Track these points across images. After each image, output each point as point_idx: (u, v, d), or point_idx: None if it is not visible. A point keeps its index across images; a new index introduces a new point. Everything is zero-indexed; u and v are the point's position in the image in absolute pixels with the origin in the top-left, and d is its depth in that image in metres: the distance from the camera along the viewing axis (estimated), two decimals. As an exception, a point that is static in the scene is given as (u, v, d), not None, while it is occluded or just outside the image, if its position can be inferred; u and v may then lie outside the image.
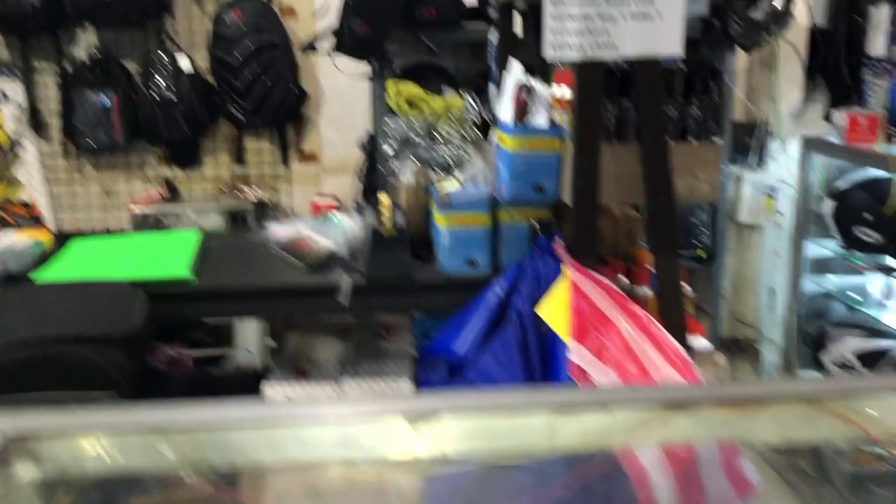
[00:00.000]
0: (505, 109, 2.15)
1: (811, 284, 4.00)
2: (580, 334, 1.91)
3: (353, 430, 0.92)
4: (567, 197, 2.10)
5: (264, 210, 4.07)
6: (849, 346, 3.81)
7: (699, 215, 4.19)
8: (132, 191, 4.14)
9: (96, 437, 0.89)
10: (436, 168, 2.36)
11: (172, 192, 4.14)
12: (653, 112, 2.01)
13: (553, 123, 2.13)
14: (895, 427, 0.97)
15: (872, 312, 3.78)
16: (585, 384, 2.00)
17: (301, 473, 0.99)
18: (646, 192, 2.05)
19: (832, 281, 4.00)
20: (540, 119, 2.10)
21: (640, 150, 2.04)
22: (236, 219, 4.00)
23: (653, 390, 1.18)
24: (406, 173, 2.33)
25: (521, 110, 2.08)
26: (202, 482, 0.95)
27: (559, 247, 2.08)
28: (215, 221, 3.92)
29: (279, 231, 2.47)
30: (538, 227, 2.15)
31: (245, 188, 4.18)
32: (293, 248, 2.29)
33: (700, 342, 2.18)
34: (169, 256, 2.26)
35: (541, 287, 2.06)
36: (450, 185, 2.27)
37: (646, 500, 1.97)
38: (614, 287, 2.07)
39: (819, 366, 3.91)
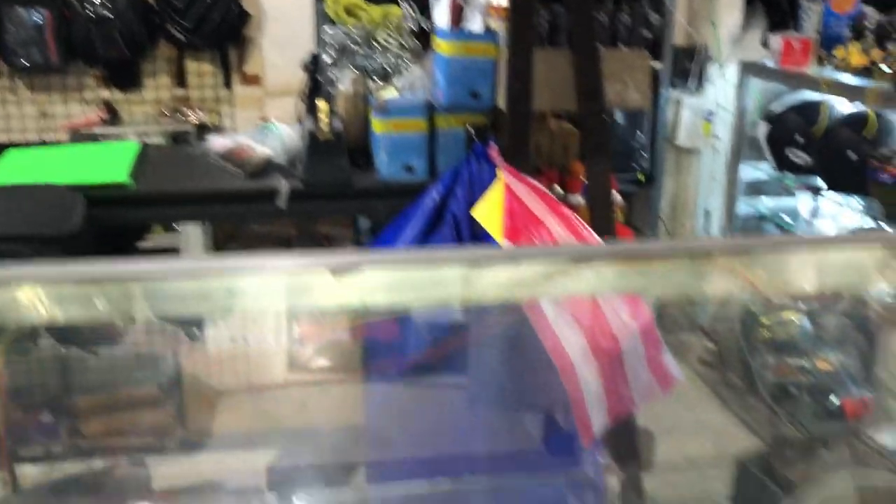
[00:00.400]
0: (441, 15, 2.18)
1: (745, 206, 4.13)
2: (512, 233, 1.98)
3: (280, 281, 0.97)
4: (502, 103, 2.15)
5: (206, 133, 4.04)
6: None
7: (639, 138, 4.29)
8: (70, 113, 4.07)
9: (33, 288, 0.92)
10: (374, 77, 2.38)
11: (112, 115, 4.08)
12: (584, 17, 2.06)
13: (488, 29, 2.16)
14: (778, 282, 1.05)
15: (802, 232, 3.94)
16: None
17: (231, 322, 1.04)
18: (577, 97, 2.11)
19: (765, 203, 4.14)
20: (475, 24, 2.14)
21: (572, 56, 2.09)
22: (178, 141, 3.97)
23: (559, 248, 1.25)
24: (344, 81, 2.35)
25: (457, 15, 2.11)
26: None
27: (494, 151, 2.13)
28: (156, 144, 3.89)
29: (218, 142, 2.48)
30: (474, 132, 2.20)
31: (187, 111, 4.14)
32: (232, 156, 2.31)
33: (629, 245, 2.26)
34: (107, 163, 2.26)
35: (476, 191, 2.12)
36: (388, 93, 2.30)
37: (576, 398, 2.08)
38: (546, 190, 2.14)
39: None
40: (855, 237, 1.72)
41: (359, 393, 2.40)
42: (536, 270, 0.99)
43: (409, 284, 1.01)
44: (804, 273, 1.08)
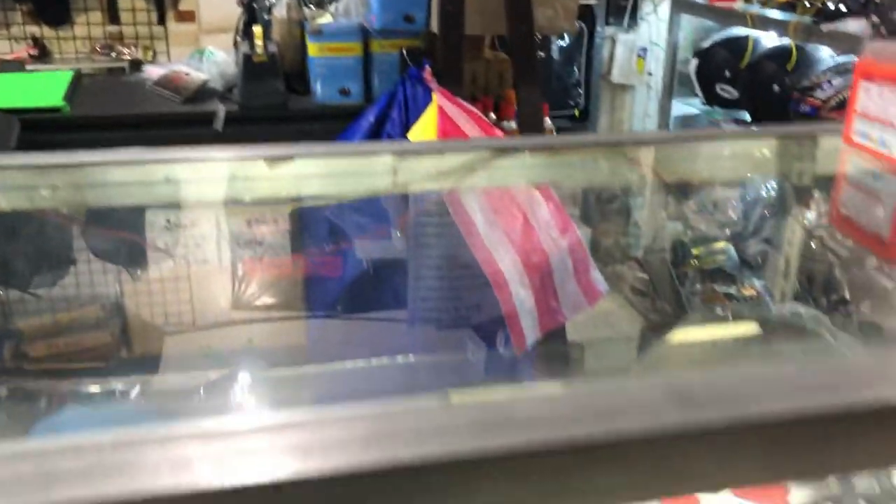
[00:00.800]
0: (374, -61, 2.20)
1: (676, 141, 4.27)
2: (446, 153, 2.04)
3: (217, 169, 1.03)
4: (435, 26, 2.20)
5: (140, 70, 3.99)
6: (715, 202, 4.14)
7: (574, 75, 4.37)
8: (-3, 50, 3.97)
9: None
10: (309, 3, 2.40)
11: (42, 52, 3.99)
12: (514, -59, 2.10)
13: (421, -47, 2.20)
14: (680, 171, 1.15)
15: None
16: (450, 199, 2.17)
17: (168, 209, 1.09)
18: (507, 21, 2.17)
19: (695, 138, 4.28)
20: (408, -52, 2.17)
21: (503, -20, 2.14)
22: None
23: (480, 140, 1.32)
24: (280, 8, 2.36)
25: (389, -61, 2.14)
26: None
27: (428, 75, 2.19)
28: (90, 80, 3.82)
29: (153, 71, 2.48)
30: (408, 56, 2.24)
31: (120, 47, 4.07)
32: (167, 82, 2.32)
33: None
34: (41, 89, 2.24)
35: (411, 113, 2.17)
36: (323, 19, 2.32)
37: (509, 310, 2.18)
38: (479, 113, 2.21)
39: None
40: (750, 131, 1.84)
41: (301, 327, 2.46)
42: (460, 160, 1.06)
43: (340, 174, 1.07)
44: (705, 162, 1.18)
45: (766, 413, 0.48)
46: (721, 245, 3.97)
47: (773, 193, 2.31)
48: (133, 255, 1.95)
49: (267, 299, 2.81)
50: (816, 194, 1.32)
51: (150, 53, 4.13)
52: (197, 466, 0.43)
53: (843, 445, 0.50)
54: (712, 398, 0.49)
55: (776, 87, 3.63)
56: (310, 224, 1.80)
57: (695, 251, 4.02)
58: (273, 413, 0.48)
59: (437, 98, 2.12)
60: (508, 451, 0.45)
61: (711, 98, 3.98)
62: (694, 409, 0.48)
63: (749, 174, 1.35)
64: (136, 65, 3.95)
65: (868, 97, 1.06)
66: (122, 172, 1.01)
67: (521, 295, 2.16)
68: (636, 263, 4.41)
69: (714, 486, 0.55)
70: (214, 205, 1.07)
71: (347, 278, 2.29)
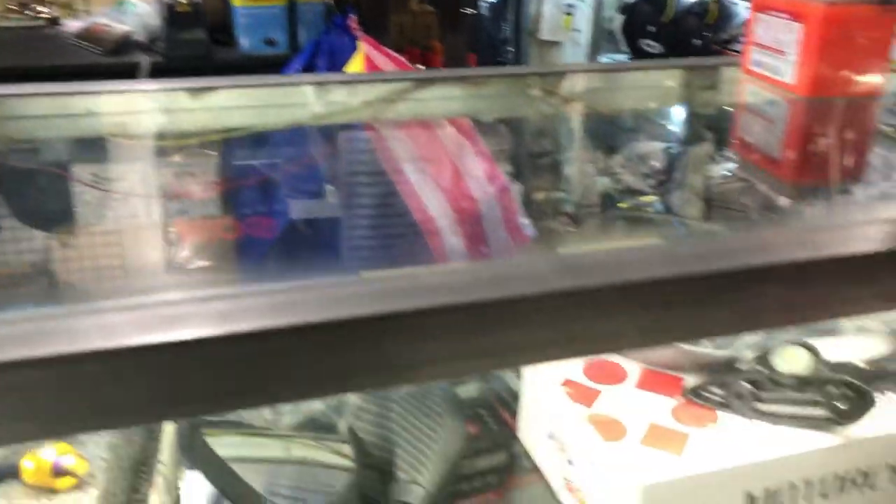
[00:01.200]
0: None
1: (603, 97, 4.35)
2: (372, 100, 2.07)
3: (140, 102, 1.04)
4: (359, -24, 2.22)
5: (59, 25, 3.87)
6: (635, 150, 4.26)
7: (503, 32, 4.41)
8: None
9: None
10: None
11: (-47, 10, 3.84)
12: None
13: None
14: (604, 104, 1.22)
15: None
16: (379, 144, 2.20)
17: (92, 141, 1.10)
18: (432, -30, 2.20)
19: (622, 93, 4.37)
20: None
21: (426, -71, 2.17)
22: (30, 35, 3.78)
23: (403, 73, 1.37)
24: (202, -41, 2.34)
25: None
26: None
27: (353, 23, 2.20)
28: (6, 39, 3.69)
29: (73, 24, 2.43)
30: (334, 4, 2.25)
31: (36, 6, 3.93)
32: (88, 34, 2.28)
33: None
34: (-48, 41, 2.18)
35: (337, 61, 2.19)
36: (246, -30, 2.31)
37: (440, 257, 2.23)
38: (405, 61, 2.23)
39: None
40: (657, 63, 1.93)
41: (234, 286, 2.47)
42: (383, 90, 1.10)
43: (262, 104, 1.10)
44: (619, 93, 1.25)
45: (645, 278, 0.54)
46: (649, 198, 4.10)
47: (687, 131, 2.41)
48: (57, 209, 1.92)
49: (195, 257, 2.80)
50: (722, 125, 1.40)
51: (70, 13, 4.01)
52: (125, 330, 0.47)
53: (714, 308, 0.57)
54: (597, 268, 0.55)
55: (697, 42, 3.74)
56: (235, 168, 1.81)
57: (622, 205, 4.14)
58: (196, 290, 0.52)
59: (363, 46, 2.14)
60: (411, 312, 0.50)
61: (636, 53, 4.07)
62: (580, 276, 0.54)
63: (661, 109, 1.42)
64: (54, 23, 3.83)
65: (762, 28, 1.13)
66: (35, 106, 1.02)
67: (451, 241, 2.22)
68: (567, 217, 4.51)
69: (600, 349, 0.61)
70: (137, 140, 1.08)
71: (278, 230, 2.30)
